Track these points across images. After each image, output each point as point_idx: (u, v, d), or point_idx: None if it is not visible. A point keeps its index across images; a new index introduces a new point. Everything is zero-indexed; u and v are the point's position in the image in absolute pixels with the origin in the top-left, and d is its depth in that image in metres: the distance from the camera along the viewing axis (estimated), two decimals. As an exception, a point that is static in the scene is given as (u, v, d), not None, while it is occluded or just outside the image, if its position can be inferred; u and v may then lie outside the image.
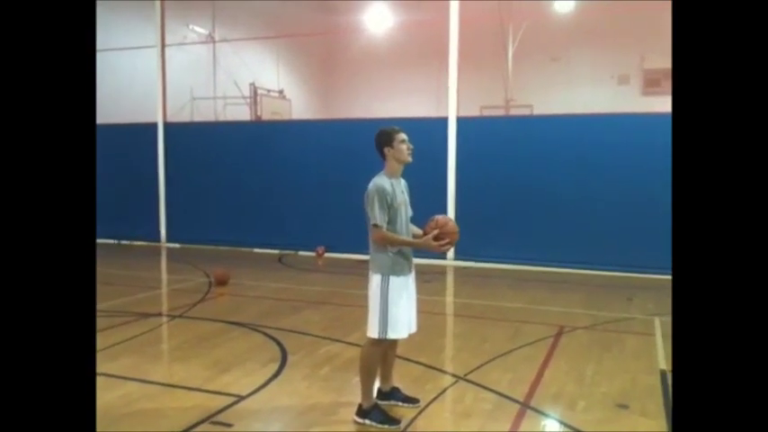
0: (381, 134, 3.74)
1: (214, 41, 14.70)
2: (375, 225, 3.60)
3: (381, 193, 3.60)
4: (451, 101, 10.21)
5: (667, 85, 14.80)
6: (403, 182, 3.84)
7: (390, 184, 3.66)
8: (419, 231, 3.84)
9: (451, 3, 10.10)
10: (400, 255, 3.71)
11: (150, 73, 12.36)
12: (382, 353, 3.82)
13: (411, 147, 3.75)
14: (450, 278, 9.40)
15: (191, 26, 14.41)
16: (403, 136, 3.73)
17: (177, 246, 12.05)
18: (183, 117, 13.39)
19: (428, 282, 8.44)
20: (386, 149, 3.71)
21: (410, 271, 3.79)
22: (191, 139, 12.24)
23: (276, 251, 11.29)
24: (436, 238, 3.64)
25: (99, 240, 11.74)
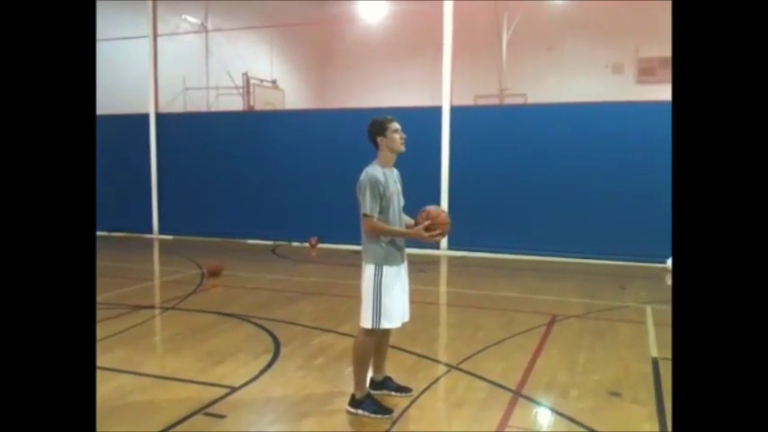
0: (374, 123, 3.72)
1: (207, 31, 14.58)
2: (365, 215, 3.59)
3: (373, 182, 3.58)
4: (445, 90, 10.18)
5: (662, 73, 14.75)
6: (396, 171, 3.83)
7: (383, 174, 3.64)
8: (411, 221, 3.83)
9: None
10: (392, 245, 3.70)
11: (142, 63, 12.25)
12: (375, 343, 3.81)
13: (404, 136, 3.73)
14: (443, 268, 9.41)
15: (183, 16, 14.28)
16: (396, 125, 3.71)
17: (170, 237, 12.02)
18: (176, 108, 13.30)
19: (422, 271, 8.45)
20: (379, 139, 3.69)
21: (402, 260, 3.78)
22: (183, 129, 12.17)
23: (270, 242, 11.27)
24: (427, 229, 3.63)
25: (92, 232, 11.67)
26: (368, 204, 3.57)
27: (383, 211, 3.65)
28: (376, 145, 3.72)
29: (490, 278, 8.49)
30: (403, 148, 3.73)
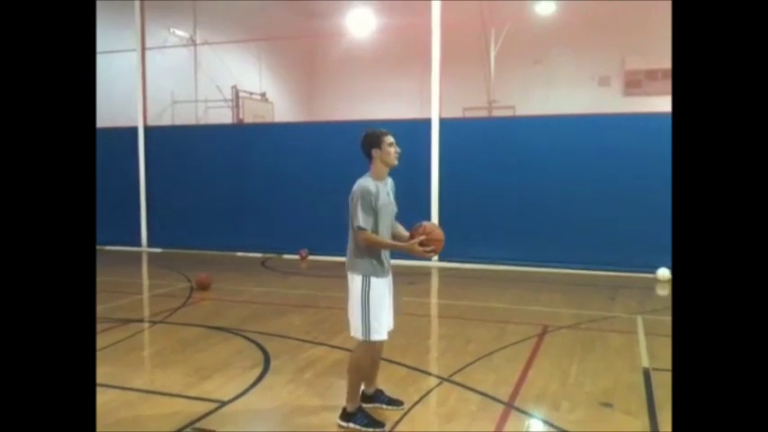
0: (369, 135, 3.71)
1: (195, 44, 14.58)
2: (359, 228, 3.58)
3: (366, 195, 3.58)
4: (434, 102, 10.22)
5: (648, 85, 14.95)
6: (389, 181, 3.81)
7: (375, 186, 3.63)
8: (405, 233, 3.81)
9: (433, 4, 10.13)
10: (380, 257, 3.69)
11: (130, 77, 12.22)
12: (373, 356, 3.79)
13: (399, 150, 3.73)
14: (434, 280, 9.39)
15: (171, 29, 14.27)
16: (391, 139, 3.71)
17: (158, 250, 11.92)
18: (164, 121, 13.25)
19: (412, 284, 8.43)
20: (373, 151, 3.68)
21: (388, 273, 3.77)
22: (172, 142, 12.12)
23: (259, 255, 11.21)
24: (422, 244, 3.63)
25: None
26: (361, 217, 3.56)
27: (373, 223, 3.64)
28: (370, 157, 3.71)
29: (481, 289, 8.48)
30: (396, 162, 3.73)
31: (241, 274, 9.59)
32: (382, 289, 3.68)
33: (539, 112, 11.37)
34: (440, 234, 3.74)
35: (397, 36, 14.44)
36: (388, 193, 3.74)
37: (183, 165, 11.89)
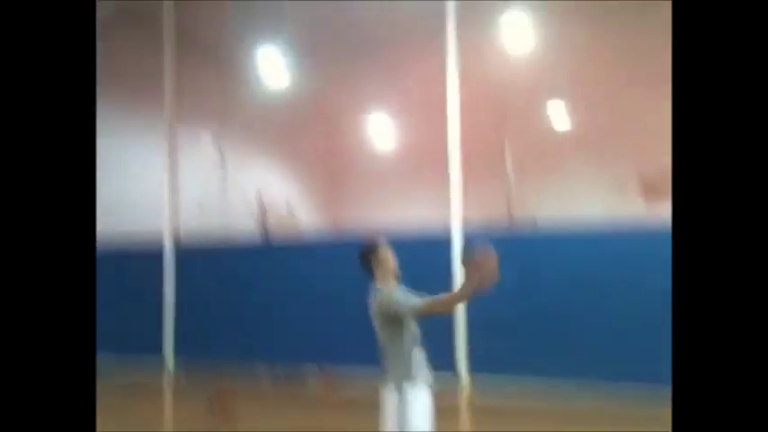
0: (363, 253, 3.77)
1: (222, 155, 15.02)
2: (409, 307, 3.36)
3: (392, 288, 3.53)
4: (455, 214, 10.20)
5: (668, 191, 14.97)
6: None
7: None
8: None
9: (450, 122, 10.38)
10: (413, 360, 3.44)
11: (158, 185, 12.28)
12: None
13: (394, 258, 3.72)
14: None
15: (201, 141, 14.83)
16: (384, 246, 3.74)
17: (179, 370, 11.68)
18: (191, 228, 13.17)
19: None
20: (373, 264, 3.72)
21: (427, 379, 3.51)
22: (202, 263, 12.06)
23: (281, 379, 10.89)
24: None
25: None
26: (401, 298, 3.43)
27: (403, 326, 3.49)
28: (372, 272, 3.72)
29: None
30: (395, 267, 3.71)
31: (267, 402, 9.25)
32: (422, 399, 3.36)
33: (557, 222, 11.30)
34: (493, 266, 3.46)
35: (416, 149, 14.86)
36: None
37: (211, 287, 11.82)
